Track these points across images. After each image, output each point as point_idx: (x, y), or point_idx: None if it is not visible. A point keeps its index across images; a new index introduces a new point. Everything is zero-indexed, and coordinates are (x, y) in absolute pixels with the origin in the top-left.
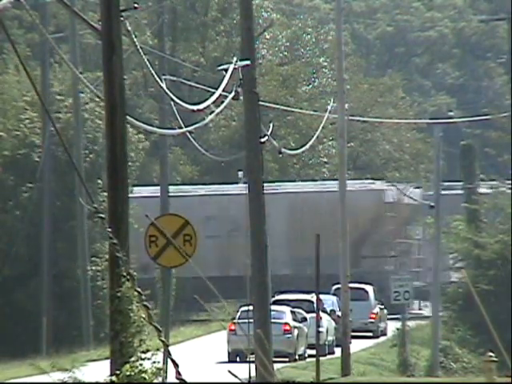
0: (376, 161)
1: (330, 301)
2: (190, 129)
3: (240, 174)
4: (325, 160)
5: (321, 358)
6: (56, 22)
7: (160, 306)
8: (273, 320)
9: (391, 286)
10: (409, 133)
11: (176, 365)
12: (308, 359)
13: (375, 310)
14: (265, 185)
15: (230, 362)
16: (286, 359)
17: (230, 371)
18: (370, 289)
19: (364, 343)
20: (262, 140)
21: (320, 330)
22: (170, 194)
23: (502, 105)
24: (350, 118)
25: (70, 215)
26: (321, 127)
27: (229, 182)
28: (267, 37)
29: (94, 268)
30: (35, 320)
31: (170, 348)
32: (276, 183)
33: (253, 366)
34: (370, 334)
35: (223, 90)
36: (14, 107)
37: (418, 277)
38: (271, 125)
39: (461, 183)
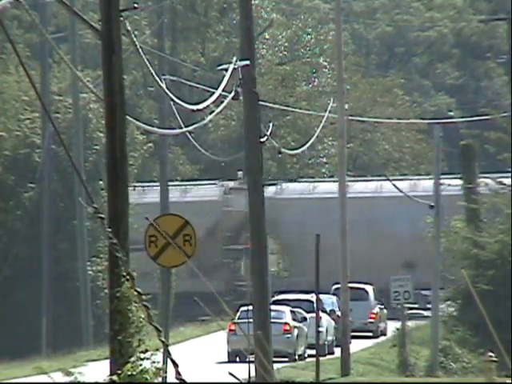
0: (376, 161)
1: (329, 301)
2: (189, 129)
3: (240, 173)
4: (324, 160)
5: (321, 358)
6: (56, 22)
7: (160, 306)
8: (273, 320)
9: (391, 287)
10: (409, 133)
11: (176, 365)
12: (308, 359)
13: (375, 310)
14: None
15: (229, 362)
16: (286, 359)
17: (230, 373)
18: (369, 289)
19: (364, 343)
20: (262, 140)
21: (320, 329)
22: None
23: (502, 105)
24: (350, 118)
25: (70, 215)
26: (320, 127)
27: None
28: (267, 37)
29: (94, 268)
30: (35, 320)
31: (170, 348)
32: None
33: (252, 366)
34: (370, 334)
35: (223, 90)
36: (14, 107)
37: None
38: (271, 125)
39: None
